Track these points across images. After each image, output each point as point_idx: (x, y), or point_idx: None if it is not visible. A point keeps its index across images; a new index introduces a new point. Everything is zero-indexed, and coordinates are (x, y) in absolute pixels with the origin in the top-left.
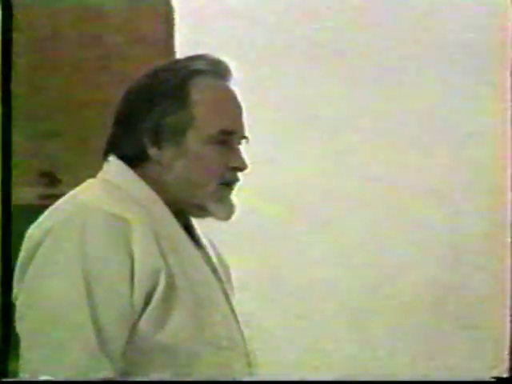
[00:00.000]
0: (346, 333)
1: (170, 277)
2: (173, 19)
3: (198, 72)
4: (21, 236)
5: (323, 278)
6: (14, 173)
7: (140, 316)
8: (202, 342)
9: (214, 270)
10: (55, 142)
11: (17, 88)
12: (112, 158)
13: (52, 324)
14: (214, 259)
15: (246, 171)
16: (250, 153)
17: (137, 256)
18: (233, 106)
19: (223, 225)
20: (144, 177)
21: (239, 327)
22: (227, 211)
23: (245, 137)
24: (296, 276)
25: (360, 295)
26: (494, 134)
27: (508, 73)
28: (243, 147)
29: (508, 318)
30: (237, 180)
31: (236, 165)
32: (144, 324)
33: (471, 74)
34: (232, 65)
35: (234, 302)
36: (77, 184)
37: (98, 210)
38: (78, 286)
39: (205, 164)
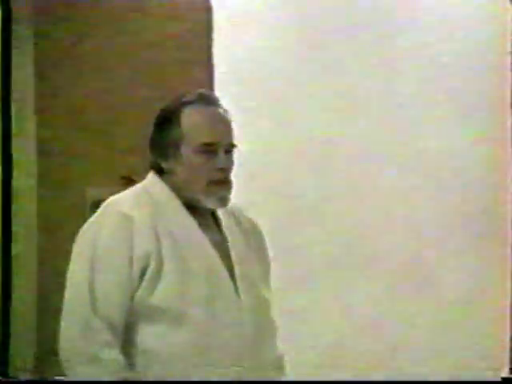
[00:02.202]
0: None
1: (159, 258)
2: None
3: (187, 102)
4: None
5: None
6: (99, 176)
7: (138, 286)
8: (188, 303)
9: (224, 250)
10: (133, 154)
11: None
12: (150, 173)
13: (69, 297)
14: (235, 242)
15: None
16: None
17: (135, 244)
18: (215, 124)
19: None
20: (166, 183)
21: (237, 297)
22: (216, 202)
23: (233, 145)
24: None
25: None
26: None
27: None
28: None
29: (508, 318)
30: (223, 178)
31: (220, 166)
32: (140, 291)
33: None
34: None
35: (261, 287)
36: None
37: (113, 209)
38: (84, 267)
39: (193, 168)
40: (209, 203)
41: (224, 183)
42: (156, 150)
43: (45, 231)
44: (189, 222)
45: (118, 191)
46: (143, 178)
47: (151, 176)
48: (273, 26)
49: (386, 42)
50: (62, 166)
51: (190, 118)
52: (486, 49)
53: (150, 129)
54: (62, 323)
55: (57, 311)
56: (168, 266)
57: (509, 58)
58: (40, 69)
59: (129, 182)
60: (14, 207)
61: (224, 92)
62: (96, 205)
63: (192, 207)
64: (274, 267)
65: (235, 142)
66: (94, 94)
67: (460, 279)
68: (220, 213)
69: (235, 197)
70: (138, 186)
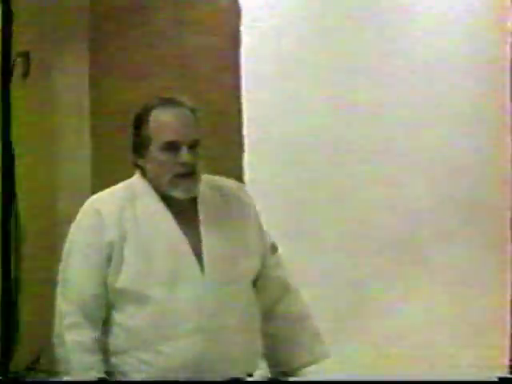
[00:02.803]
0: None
1: (121, 245)
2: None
3: (154, 106)
4: None
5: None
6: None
7: (107, 272)
8: (149, 285)
9: (197, 232)
10: None
11: None
12: (137, 170)
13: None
14: (209, 223)
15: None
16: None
17: (102, 234)
18: (176, 123)
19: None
20: (146, 177)
21: (201, 275)
22: (182, 192)
23: (196, 140)
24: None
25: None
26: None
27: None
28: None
29: (508, 319)
30: (187, 171)
31: (182, 161)
32: (109, 277)
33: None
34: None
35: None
36: None
37: (87, 206)
38: (63, 257)
39: (160, 164)
40: (175, 193)
41: (188, 176)
42: (133, 149)
43: None
44: (158, 209)
45: None
46: None
47: (136, 173)
48: (298, 35)
49: (387, 42)
50: (112, 158)
51: (155, 120)
52: (487, 48)
53: None
54: None
55: None
56: (129, 251)
57: (508, 57)
58: (94, 77)
59: None
60: (70, 193)
61: (251, 97)
62: None
63: (168, 198)
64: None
65: (198, 138)
66: (139, 98)
67: (452, 261)
68: (203, 197)
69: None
70: (125, 182)
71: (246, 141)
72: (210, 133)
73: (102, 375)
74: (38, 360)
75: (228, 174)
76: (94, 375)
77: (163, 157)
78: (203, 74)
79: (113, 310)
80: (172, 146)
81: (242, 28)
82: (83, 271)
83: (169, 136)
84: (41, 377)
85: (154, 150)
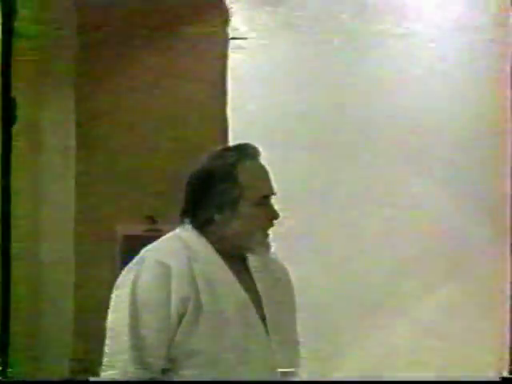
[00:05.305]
0: None
1: (198, 303)
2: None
3: (239, 159)
4: (131, 256)
5: None
6: (127, 215)
7: (176, 330)
8: (221, 349)
9: (254, 293)
10: (156, 197)
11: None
12: (187, 222)
13: (110, 344)
14: (264, 285)
15: None
16: None
17: (173, 290)
18: (266, 176)
19: None
20: (207, 233)
21: (268, 339)
22: (266, 250)
23: (274, 193)
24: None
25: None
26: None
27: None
28: None
29: (508, 318)
30: (273, 226)
31: (274, 215)
32: (179, 335)
33: None
34: None
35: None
36: (167, 223)
37: (150, 258)
38: (124, 315)
39: (252, 220)
40: (262, 252)
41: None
42: (210, 204)
43: (81, 261)
44: (222, 267)
45: (142, 228)
46: (165, 217)
47: (185, 225)
48: (285, 83)
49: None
50: (96, 206)
51: (247, 173)
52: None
53: (172, 176)
54: (103, 372)
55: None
56: (206, 310)
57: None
58: (80, 124)
59: (152, 221)
60: (52, 239)
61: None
62: (125, 239)
63: (224, 254)
64: None
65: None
66: (125, 146)
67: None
68: (250, 259)
69: None
70: (169, 234)
71: None
72: None
73: None
74: None
75: None
76: None
77: (257, 212)
78: (189, 123)
79: (170, 374)
80: (266, 201)
81: (228, 76)
82: (153, 331)
83: (265, 190)
84: None
85: (247, 205)
